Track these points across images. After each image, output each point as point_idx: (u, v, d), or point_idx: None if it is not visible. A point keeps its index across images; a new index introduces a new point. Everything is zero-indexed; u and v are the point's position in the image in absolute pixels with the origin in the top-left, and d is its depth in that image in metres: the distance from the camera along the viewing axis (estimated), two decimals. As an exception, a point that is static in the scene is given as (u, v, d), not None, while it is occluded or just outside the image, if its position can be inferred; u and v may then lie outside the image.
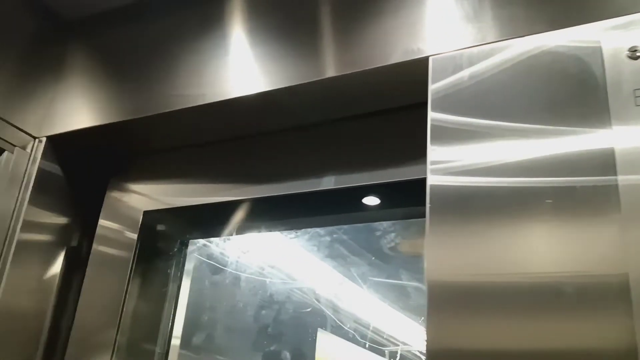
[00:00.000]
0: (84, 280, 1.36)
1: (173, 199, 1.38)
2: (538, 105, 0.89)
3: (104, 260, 1.38)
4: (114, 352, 1.27)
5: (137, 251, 1.35)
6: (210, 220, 1.49)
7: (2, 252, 1.29)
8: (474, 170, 0.89)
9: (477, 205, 0.86)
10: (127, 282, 1.32)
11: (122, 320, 1.30)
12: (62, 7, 1.48)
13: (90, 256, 1.38)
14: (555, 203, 0.82)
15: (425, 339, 0.83)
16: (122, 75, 1.39)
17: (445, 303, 0.83)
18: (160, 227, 1.46)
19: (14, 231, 1.31)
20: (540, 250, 0.81)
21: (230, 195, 1.31)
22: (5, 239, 1.30)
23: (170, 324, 1.42)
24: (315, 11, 1.18)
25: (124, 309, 1.31)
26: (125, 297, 1.31)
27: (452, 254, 0.85)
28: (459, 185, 0.89)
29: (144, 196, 1.41)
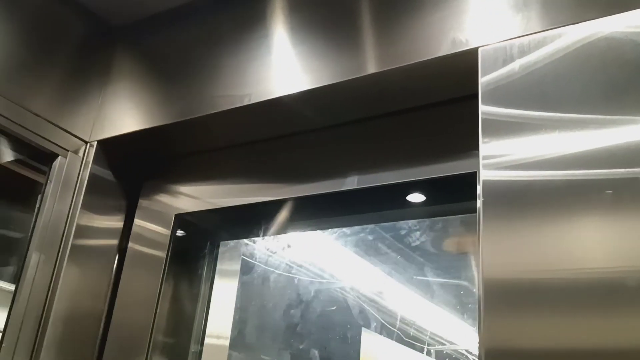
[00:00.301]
0: (120, 280, 1.39)
1: (205, 201, 1.39)
2: (594, 94, 0.86)
3: (138, 261, 1.40)
4: (149, 351, 1.30)
5: (169, 253, 1.37)
6: (244, 221, 1.50)
7: (57, 257, 1.33)
8: (528, 164, 0.86)
9: (533, 200, 0.84)
10: (160, 283, 1.34)
11: (156, 319, 1.32)
12: (108, 13, 1.51)
13: (126, 258, 1.41)
14: (615, 195, 0.79)
15: (480, 337, 0.81)
16: (168, 77, 1.41)
17: (501, 301, 0.81)
18: (192, 230, 1.48)
19: (69, 236, 1.34)
20: (601, 245, 0.78)
21: (269, 196, 1.30)
22: (61, 243, 1.34)
23: (203, 323, 1.43)
24: (357, 5, 1.17)
25: (158, 309, 1.33)
26: (159, 297, 1.33)
27: (508, 250, 0.83)
28: (513, 179, 0.87)
29: (176, 199, 1.43)
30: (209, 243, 1.52)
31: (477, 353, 0.83)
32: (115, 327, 1.35)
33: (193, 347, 1.42)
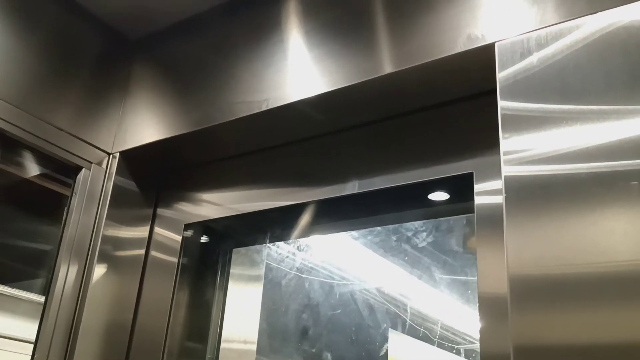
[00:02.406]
0: (142, 289, 1.41)
1: (217, 209, 1.40)
2: (616, 84, 0.84)
3: (155, 270, 1.42)
4: (164, 356, 1.32)
5: (180, 260, 1.39)
6: (259, 227, 1.50)
7: (85, 268, 1.35)
8: (550, 158, 0.85)
9: (557, 194, 0.83)
10: (172, 290, 1.36)
11: (170, 325, 1.34)
12: (126, 27, 1.54)
13: (147, 267, 1.43)
14: (642, 186, 0.77)
15: (510, 335, 0.80)
16: (186, 87, 1.42)
17: (529, 297, 0.80)
18: (203, 239, 1.50)
19: (95, 247, 1.36)
20: (628, 237, 0.76)
21: (286, 200, 1.30)
22: (88, 254, 1.36)
23: (218, 329, 1.44)
24: (371, 5, 1.17)
25: (171, 316, 1.35)
26: (171, 304, 1.36)
27: (533, 246, 0.82)
28: (536, 174, 0.86)
29: (188, 207, 1.45)
30: (220, 250, 1.53)
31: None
32: (139, 334, 1.37)
33: (209, 354, 1.43)
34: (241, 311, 1.50)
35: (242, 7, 1.38)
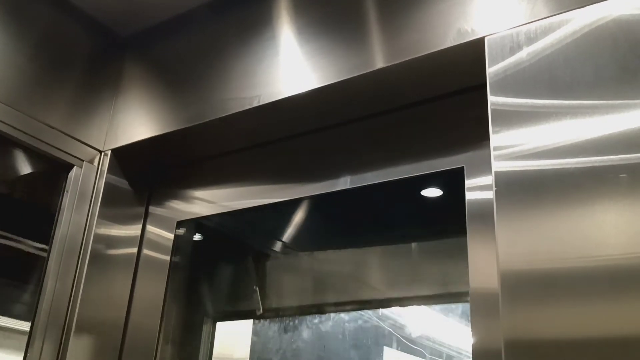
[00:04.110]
0: (135, 287, 1.40)
1: (210, 207, 1.40)
2: (606, 78, 0.84)
3: (148, 268, 1.41)
4: (157, 356, 1.31)
5: (172, 259, 1.39)
6: (255, 225, 1.51)
7: (77, 267, 1.34)
8: (540, 153, 0.85)
9: (547, 188, 0.83)
10: (165, 289, 1.36)
11: (162, 325, 1.34)
12: (117, 25, 1.54)
13: (139, 265, 1.42)
14: (631, 178, 0.77)
15: (501, 329, 0.79)
16: (177, 84, 1.42)
17: (520, 292, 0.80)
18: (196, 237, 1.50)
19: (87, 246, 1.35)
20: (619, 230, 0.76)
21: (280, 197, 1.30)
22: (80, 253, 1.35)
23: (211, 332, 1.44)
24: (362, 1, 1.17)
25: (164, 314, 1.34)
26: (164, 303, 1.35)
27: (524, 240, 0.81)
28: (526, 169, 0.85)
29: (180, 205, 1.44)
30: (215, 249, 1.52)
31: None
32: (131, 333, 1.36)
33: (203, 351, 1.41)
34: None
35: (234, 3, 1.39)
